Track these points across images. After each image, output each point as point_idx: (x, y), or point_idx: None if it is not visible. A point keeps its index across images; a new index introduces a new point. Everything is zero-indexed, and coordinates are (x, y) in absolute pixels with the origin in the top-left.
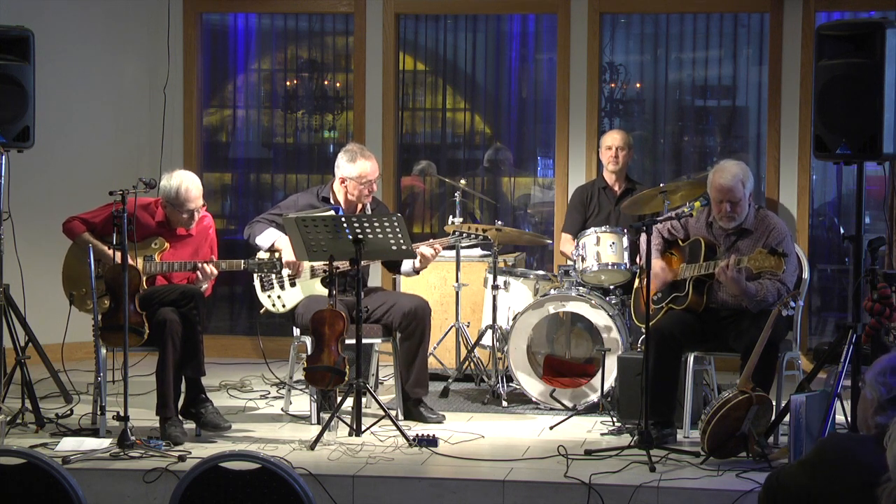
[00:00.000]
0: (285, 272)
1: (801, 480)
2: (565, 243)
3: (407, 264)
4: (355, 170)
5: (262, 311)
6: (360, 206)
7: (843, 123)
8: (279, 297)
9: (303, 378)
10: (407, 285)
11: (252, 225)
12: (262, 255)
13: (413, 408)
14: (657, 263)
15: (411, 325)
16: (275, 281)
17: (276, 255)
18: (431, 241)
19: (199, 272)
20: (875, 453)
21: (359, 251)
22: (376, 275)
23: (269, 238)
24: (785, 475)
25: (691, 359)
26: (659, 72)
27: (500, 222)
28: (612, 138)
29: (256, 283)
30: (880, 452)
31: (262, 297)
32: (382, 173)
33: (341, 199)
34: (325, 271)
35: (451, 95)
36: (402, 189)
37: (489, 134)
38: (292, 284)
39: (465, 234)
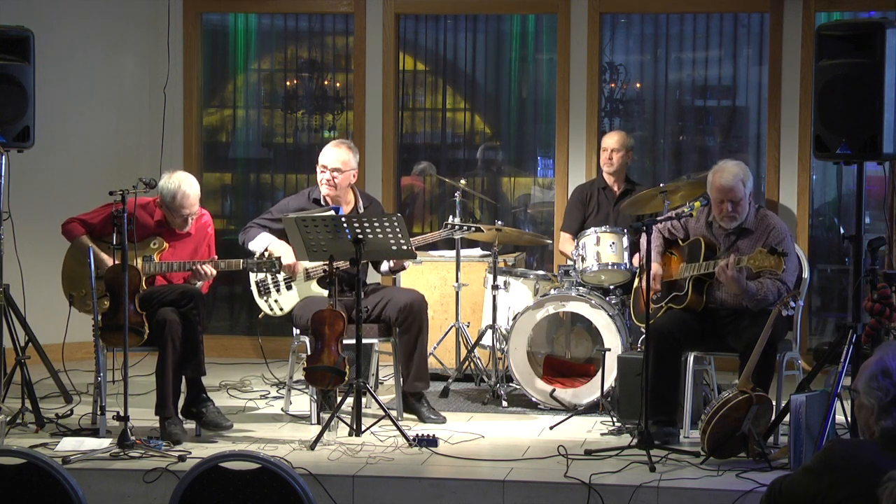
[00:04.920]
0: (280, 275)
1: (805, 487)
2: (564, 242)
3: (384, 265)
4: (322, 154)
5: (260, 315)
6: (350, 208)
7: (843, 123)
8: (276, 301)
9: (303, 378)
10: (406, 283)
11: (246, 230)
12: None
13: (415, 402)
14: (654, 267)
15: (408, 319)
16: (271, 285)
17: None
18: (424, 236)
19: (198, 270)
20: (879, 457)
21: (359, 251)
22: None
23: (263, 242)
24: (789, 482)
25: (691, 359)
26: (659, 72)
27: (500, 222)
28: (608, 140)
29: (253, 289)
30: (884, 456)
31: (260, 302)
32: (382, 173)
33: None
34: (324, 271)
35: (451, 95)
36: (402, 189)
37: (489, 134)
38: (288, 288)
39: (457, 227)
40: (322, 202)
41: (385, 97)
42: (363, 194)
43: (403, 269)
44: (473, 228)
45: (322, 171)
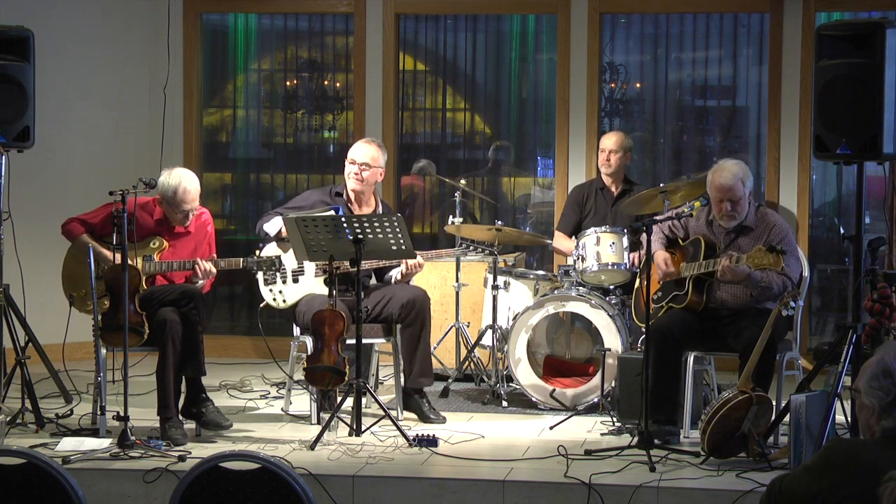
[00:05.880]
0: (289, 267)
1: (806, 486)
2: (559, 240)
3: (394, 274)
4: (351, 149)
5: (262, 304)
6: (369, 210)
7: (843, 123)
8: (280, 291)
9: (303, 378)
10: None
11: (263, 217)
12: (265, 252)
13: (416, 399)
14: (661, 255)
15: (411, 315)
16: (278, 275)
17: (276, 255)
18: (437, 251)
19: (197, 269)
20: (880, 457)
21: (359, 251)
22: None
23: (277, 225)
24: (789, 481)
25: (691, 359)
26: (659, 72)
27: (500, 222)
28: (606, 141)
29: (259, 276)
30: (885, 456)
31: (264, 290)
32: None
33: (351, 191)
34: (325, 271)
35: (451, 95)
36: (402, 189)
37: (489, 134)
38: (295, 280)
39: (470, 248)
40: (344, 197)
41: (385, 97)
42: (384, 203)
43: (408, 283)
44: (487, 250)
45: (351, 164)
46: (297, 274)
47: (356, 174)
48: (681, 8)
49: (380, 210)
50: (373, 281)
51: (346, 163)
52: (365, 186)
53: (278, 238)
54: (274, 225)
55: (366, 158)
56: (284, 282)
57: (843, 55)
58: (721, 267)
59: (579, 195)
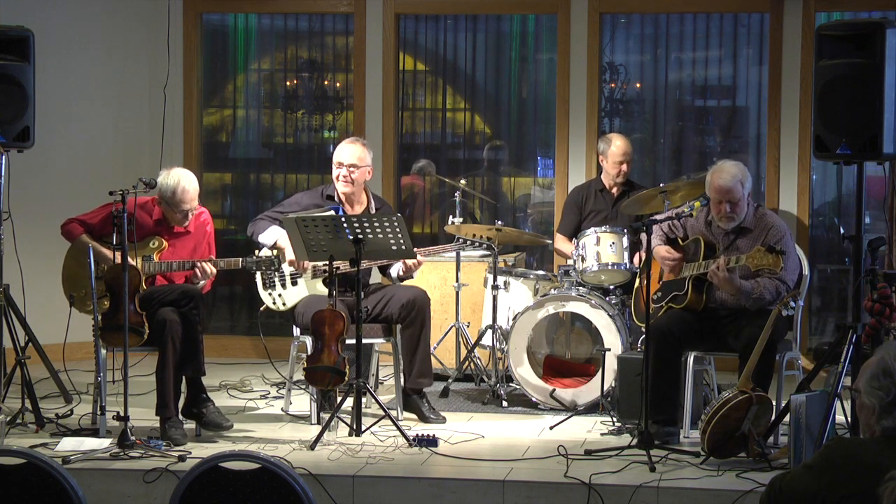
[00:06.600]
0: (287, 270)
1: (806, 484)
2: (560, 242)
3: (393, 270)
4: (336, 151)
5: (262, 308)
6: (363, 208)
7: (843, 123)
8: (280, 295)
9: (303, 378)
10: (406, 282)
11: (255, 222)
12: (264, 252)
13: (416, 400)
14: (662, 248)
15: (411, 315)
16: (276, 279)
17: (276, 252)
18: (435, 247)
19: (197, 271)
20: (880, 456)
21: (359, 251)
22: (376, 273)
23: (272, 236)
24: (789, 479)
25: (691, 358)
26: (659, 72)
27: (500, 222)
28: (619, 150)
29: (258, 280)
30: (885, 456)
31: (264, 294)
32: (382, 173)
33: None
34: (324, 271)
35: (451, 95)
36: (402, 189)
37: (489, 134)
38: (294, 283)
39: (468, 242)
40: (336, 199)
41: (385, 97)
42: (376, 197)
43: (412, 277)
44: (485, 244)
45: (338, 168)
46: (296, 276)
47: (345, 177)
48: (681, 8)
49: (373, 205)
50: (373, 278)
51: (333, 166)
52: (355, 187)
53: (272, 248)
54: (269, 235)
55: (353, 160)
56: (283, 285)
57: (843, 55)
58: (712, 269)
59: (578, 196)
